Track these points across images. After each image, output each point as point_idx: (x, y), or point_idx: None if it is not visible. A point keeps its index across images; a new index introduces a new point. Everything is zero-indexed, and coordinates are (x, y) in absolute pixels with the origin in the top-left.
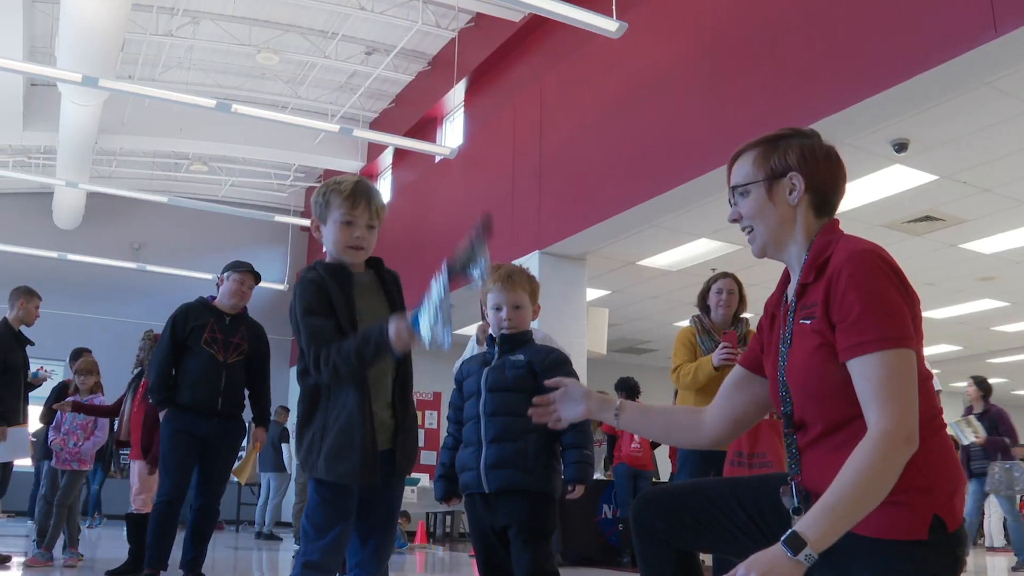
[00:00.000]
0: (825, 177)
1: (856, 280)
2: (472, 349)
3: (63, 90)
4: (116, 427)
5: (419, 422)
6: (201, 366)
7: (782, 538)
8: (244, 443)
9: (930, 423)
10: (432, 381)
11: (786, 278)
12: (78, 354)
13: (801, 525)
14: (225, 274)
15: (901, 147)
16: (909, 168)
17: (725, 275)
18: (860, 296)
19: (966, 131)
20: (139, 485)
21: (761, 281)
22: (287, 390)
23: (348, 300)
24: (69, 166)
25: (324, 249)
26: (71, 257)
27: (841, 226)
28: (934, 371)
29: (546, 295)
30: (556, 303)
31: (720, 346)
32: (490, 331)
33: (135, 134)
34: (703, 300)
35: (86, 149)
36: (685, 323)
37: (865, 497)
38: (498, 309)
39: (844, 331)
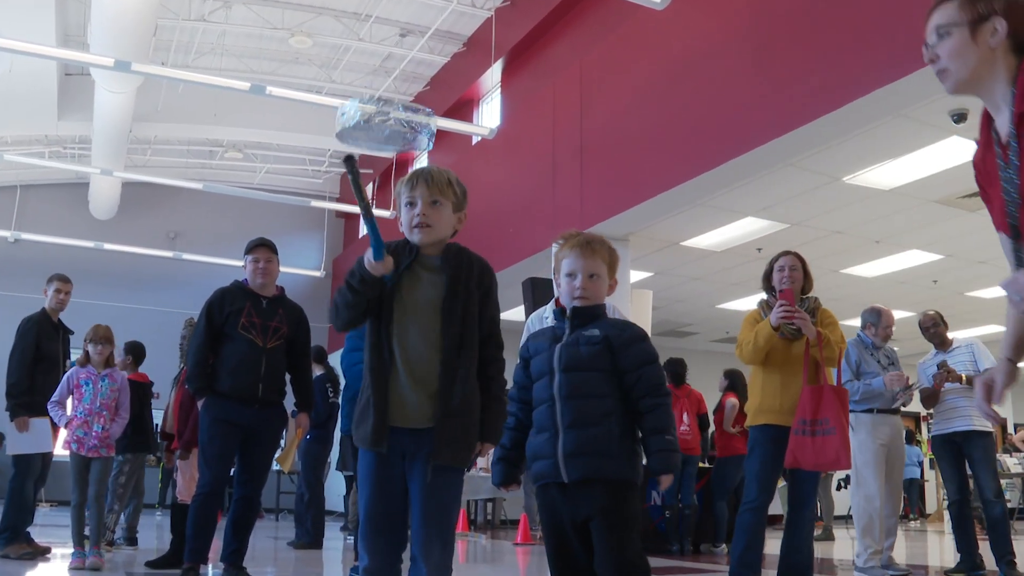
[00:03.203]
0: None
1: None
2: (538, 325)
3: (97, 77)
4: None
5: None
6: (240, 352)
7: None
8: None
9: None
10: None
11: (986, 117)
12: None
13: None
14: (244, 258)
15: (960, 118)
16: (966, 140)
17: (787, 252)
18: None
19: None
20: (185, 475)
21: (810, 260)
22: None
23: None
24: (104, 155)
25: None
26: (107, 247)
27: (891, 202)
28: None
29: None
30: None
31: (777, 304)
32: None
33: (169, 121)
34: (767, 280)
35: (121, 137)
36: (728, 305)
37: None
38: (572, 276)
39: None
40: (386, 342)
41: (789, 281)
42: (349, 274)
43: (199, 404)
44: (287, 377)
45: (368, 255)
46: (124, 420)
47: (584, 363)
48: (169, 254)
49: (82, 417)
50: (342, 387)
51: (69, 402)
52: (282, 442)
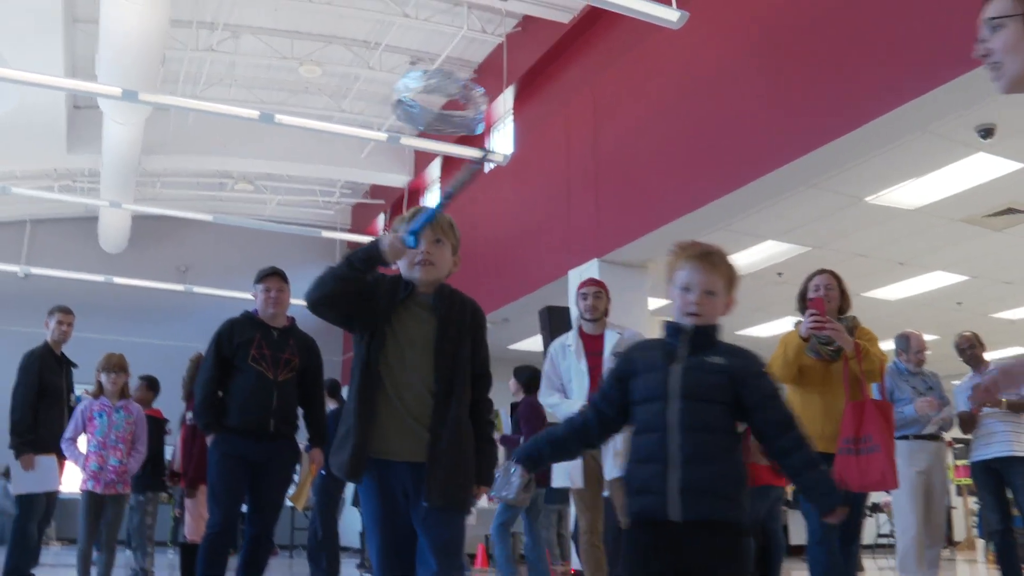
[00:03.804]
0: None
1: None
2: (561, 354)
3: (105, 109)
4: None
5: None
6: (250, 385)
7: None
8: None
9: None
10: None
11: None
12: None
13: None
14: (254, 288)
15: (987, 133)
16: (993, 156)
17: (823, 271)
18: None
19: None
20: (193, 514)
21: None
22: None
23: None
24: (113, 188)
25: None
26: (117, 280)
27: (915, 222)
28: None
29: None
30: (617, 313)
31: (807, 313)
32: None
33: (178, 153)
34: (803, 300)
35: (130, 170)
36: (748, 331)
37: None
38: (687, 290)
39: None
40: (376, 374)
41: (825, 300)
42: (353, 252)
43: (208, 440)
44: (299, 411)
45: (391, 239)
46: (141, 455)
47: (708, 392)
48: (180, 287)
49: (96, 451)
50: None
51: (82, 438)
52: (295, 478)
